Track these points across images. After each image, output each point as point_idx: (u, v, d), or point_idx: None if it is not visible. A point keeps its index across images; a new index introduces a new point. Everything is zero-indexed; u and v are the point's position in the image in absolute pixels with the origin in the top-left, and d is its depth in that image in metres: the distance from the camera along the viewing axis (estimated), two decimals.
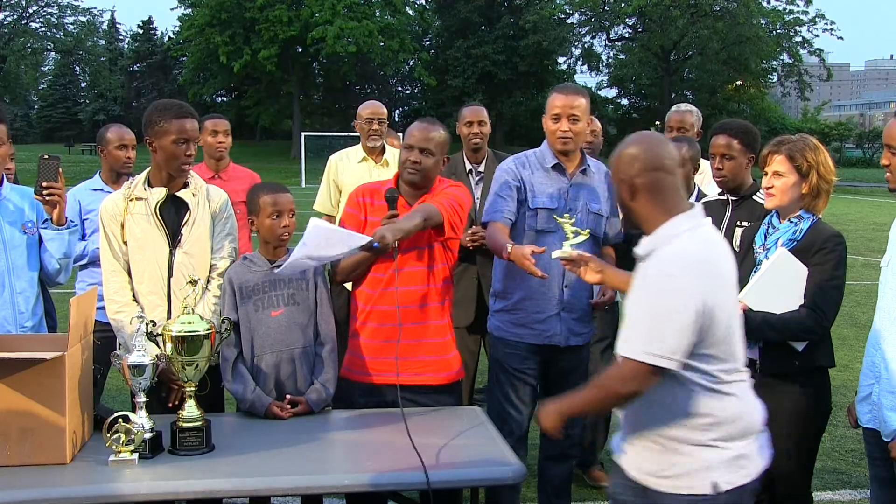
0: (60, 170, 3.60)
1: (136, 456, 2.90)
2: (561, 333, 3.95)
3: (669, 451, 2.49)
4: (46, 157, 3.61)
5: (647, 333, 2.37)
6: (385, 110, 5.58)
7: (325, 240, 3.32)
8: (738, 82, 54.43)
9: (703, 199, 4.14)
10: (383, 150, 5.49)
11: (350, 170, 5.46)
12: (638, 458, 2.57)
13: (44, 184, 3.55)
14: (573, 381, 3.77)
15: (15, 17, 61.72)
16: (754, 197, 3.90)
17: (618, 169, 2.55)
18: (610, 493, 2.77)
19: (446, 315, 3.73)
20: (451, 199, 3.60)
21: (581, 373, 4.02)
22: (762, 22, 50.89)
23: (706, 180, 4.89)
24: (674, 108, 5.48)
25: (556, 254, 3.27)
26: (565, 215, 3.58)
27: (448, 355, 3.73)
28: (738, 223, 3.82)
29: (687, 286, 2.36)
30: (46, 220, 3.65)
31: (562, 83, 4.41)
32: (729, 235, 3.80)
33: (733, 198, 3.93)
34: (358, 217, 3.68)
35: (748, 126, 3.98)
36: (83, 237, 4.65)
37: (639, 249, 2.52)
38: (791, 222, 3.39)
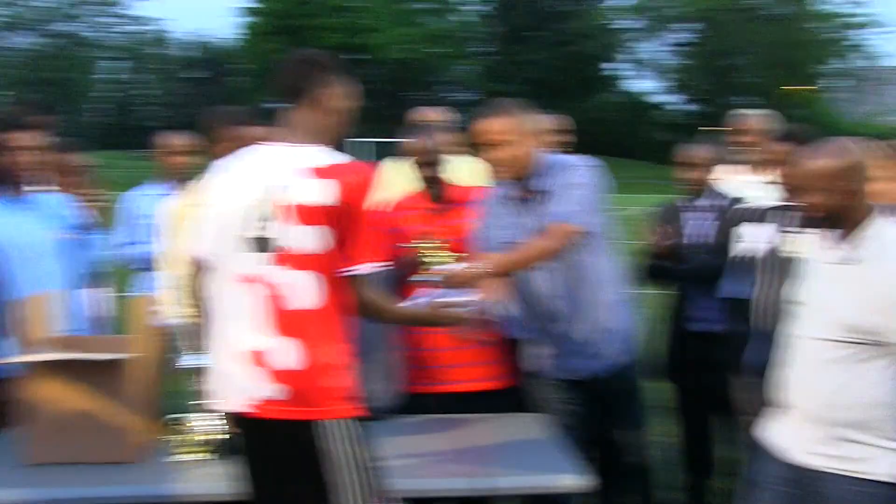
0: (98, 177, 3.72)
1: (202, 456, 2.94)
2: None
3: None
4: (80, 165, 3.76)
5: None
6: (440, 116, 5.57)
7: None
8: (792, 86, 53.55)
9: (742, 205, 4.06)
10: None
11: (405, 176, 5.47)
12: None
13: (83, 190, 3.68)
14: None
15: (73, 27, 63.13)
16: None
17: (841, 177, 2.65)
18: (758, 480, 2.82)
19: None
20: None
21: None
22: (818, 25, 50.07)
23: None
24: (735, 112, 5.37)
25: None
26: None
27: (502, 359, 3.73)
28: (787, 228, 3.75)
29: None
30: (84, 224, 3.75)
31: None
32: (776, 240, 3.72)
33: (781, 203, 3.86)
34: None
35: (806, 132, 3.92)
36: (137, 241, 4.71)
37: (844, 252, 2.65)
38: None
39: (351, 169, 2.51)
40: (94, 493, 2.82)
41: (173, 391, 3.25)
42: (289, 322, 2.46)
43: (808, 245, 2.88)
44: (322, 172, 2.46)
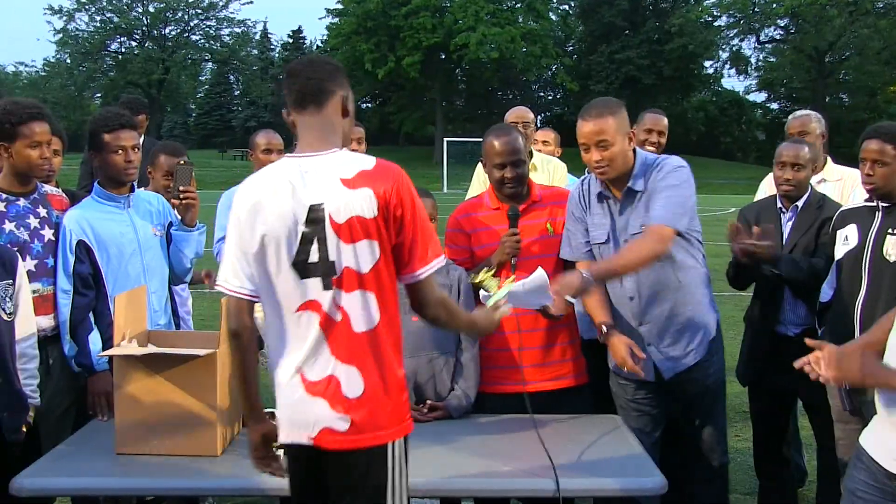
0: (194, 175, 3.81)
1: (280, 452, 2.98)
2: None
3: None
4: (182, 163, 3.85)
5: None
6: (531, 115, 5.57)
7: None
8: None
9: (848, 206, 3.93)
10: (531, 154, 5.47)
11: None
12: None
13: (181, 188, 3.76)
14: None
15: (178, 30, 65.29)
16: None
17: None
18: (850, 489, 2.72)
19: (571, 318, 3.68)
20: None
21: None
22: None
23: (849, 186, 4.64)
24: (792, 115, 5.17)
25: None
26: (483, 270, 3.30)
27: (575, 358, 3.71)
28: (891, 230, 3.61)
29: None
30: (174, 222, 3.84)
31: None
32: (879, 243, 3.59)
33: (884, 204, 3.71)
34: (464, 234, 3.72)
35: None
36: None
37: None
38: None
39: (382, 172, 2.39)
40: (179, 485, 2.90)
41: (261, 386, 3.30)
42: (350, 347, 2.35)
43: None
44: (356, 182, 2.34)
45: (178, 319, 4.07)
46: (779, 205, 4.20)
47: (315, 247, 2.32)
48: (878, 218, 3.68)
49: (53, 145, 3.77)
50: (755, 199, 4.84)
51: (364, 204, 2.32)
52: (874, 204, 3.74)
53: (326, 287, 2.33)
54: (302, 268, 2.34)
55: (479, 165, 5.63)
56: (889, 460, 2.59)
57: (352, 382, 2.34)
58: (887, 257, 3.52)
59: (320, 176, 2.36)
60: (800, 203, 4.12)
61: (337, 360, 2.35)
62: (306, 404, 2.36)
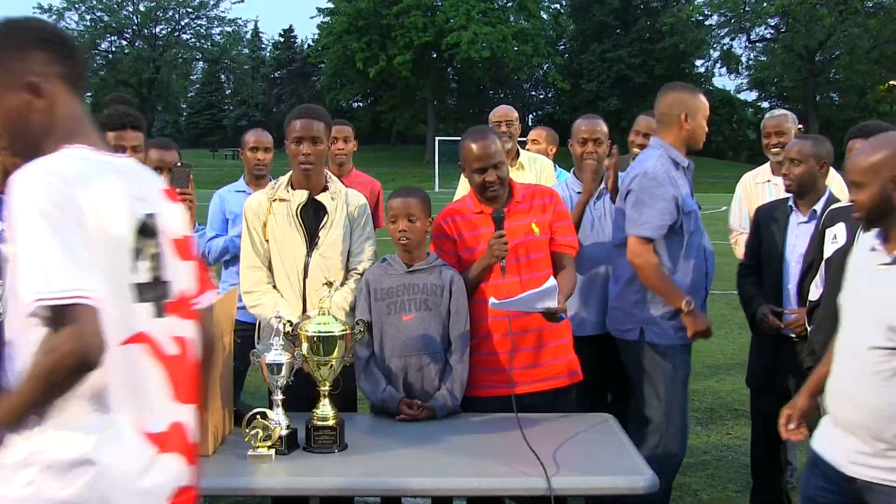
0: (192, 176, 3.76)
1: (272, 452, 2.98)
2: None
3: None
4: (179, 164, 3.80)
5: None
6: (515, 113, 5.55)
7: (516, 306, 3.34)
8: (892, 82, 51.69)
9: (837, 205, 3.93)
10: (517, 153, 5.47)
11: None
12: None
13: (177, 191, 3.71)
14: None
15: (169, 29, 65.21)
16: None
17: (889, 167, 2.52)
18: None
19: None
20: (569, 227, 3.74)
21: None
22: None
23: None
24: (768, 114, 5.21)
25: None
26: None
27: (567, 357, 3.70)
28: None
29: None
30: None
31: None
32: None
33: None
34: (450, 240, 3.69)
35: (889, 129, 3.76)
36: (223, 237, 4.79)
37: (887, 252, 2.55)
38: None
39: (168, 188, 2.07)
40: None
41: (251, 385, 3.30)
42: (189, 384, 1.96)
43: (860, 246, 2.75)
44: (169, 193, 2.04)
45: None
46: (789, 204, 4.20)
47: (154, 263, 1.90)
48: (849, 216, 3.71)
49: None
50: (734, 200, 4.92)
51: (181, 218, 2.06)
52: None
53: (165, 313, 1.92)
54: (142, 288, 1.87)
55: None
56: (846, 463, 2.61)
57: (193, 424, 1.99)
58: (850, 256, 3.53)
59: (147, 182, 1.98)
60: (818, 207, 4.08)
61: (184, 400, 1.95)
62: (164, 462, 1.87)
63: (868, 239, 2.67)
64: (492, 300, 3.31)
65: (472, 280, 3.59)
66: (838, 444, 2.65)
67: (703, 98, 3.92)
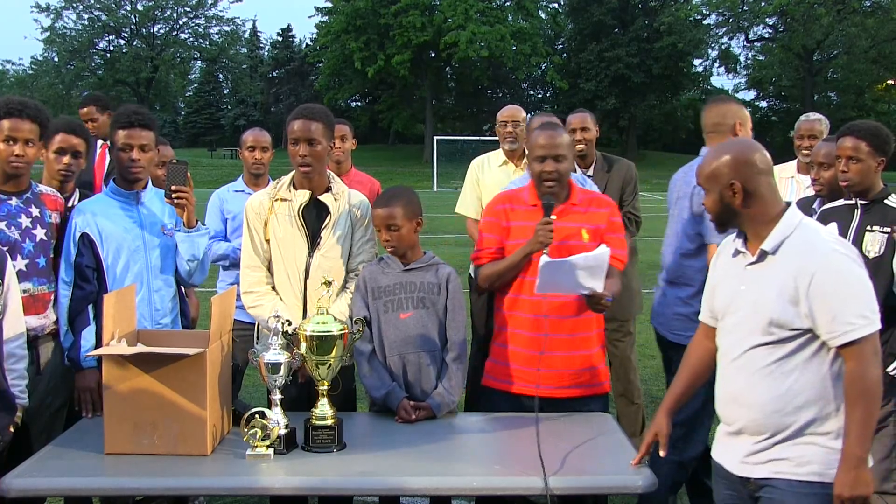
0: (189, 174, 3.74)
1: (271, 451, 2.98)
2: None
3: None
4: (175, 161, 3.77)
5: (860, 306, 2.46)
6: (522, 113, 5.57)
7: (554, 274, 3.33)
8: (890, 81, 51.70)
9: (830, 205, 3.99)
10: (523, 153, 5.48)
11: (491, 173, 5.49)
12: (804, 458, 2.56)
13: (172, 187, 3.69)
14: None
15: (167, 29, 65.14)
16: (886, 201, 3.79)
17: (724, 174, 2.61)
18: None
19: (594, 326, 3.67)
20: (621, 241, 3.71)
21: None
22: None
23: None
24: (803, 116, 5.45)
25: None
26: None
27: (595, 367, 3.67)
28: (869, 228, 3.74)
29: (853, 254, 2.53)
30: (178, 221, 3.81)
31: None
32: (858, 240, 3.71)
33: (862, 202, 3.81)
34: (500, 224, 3.69)
35: (878, 128, 3.84)
36: (226, 237, 4.81)
37: (765, 245, 2.57)
38: None
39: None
40: (169, 484, 2.88)
41: (250, 385, 3.30)
42: None
43: (723, 254, 2.81)
44: None
45: (187, 321, 4.00)
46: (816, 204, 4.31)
47: None
48: (857, 215, 3.80)
49: (76, 147, 3.81)
50: None
51: None
52: (853, 202, 3.83)
53: None
54: None
55: (471, 165, 5.63)
56: (736, 464, 2.67)
57: None
58: (867, 253, 3.64)
59: None
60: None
61: None
62: None
63: (728, 245, 2.75)
64: (544, 258, 3.29)
65: (509, 267, 3.59)
66: (731, 448, 2.71)
67: (746, 110, 4.02)
